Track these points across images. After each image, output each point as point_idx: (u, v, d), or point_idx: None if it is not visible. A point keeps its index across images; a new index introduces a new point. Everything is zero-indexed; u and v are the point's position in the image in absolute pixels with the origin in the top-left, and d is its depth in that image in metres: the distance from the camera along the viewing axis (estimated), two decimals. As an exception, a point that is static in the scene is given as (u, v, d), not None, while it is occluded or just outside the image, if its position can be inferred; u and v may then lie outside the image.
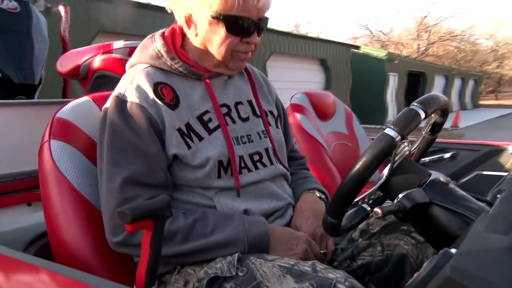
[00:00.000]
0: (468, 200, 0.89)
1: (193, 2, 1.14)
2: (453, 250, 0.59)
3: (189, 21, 1.17)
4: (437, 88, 24.96)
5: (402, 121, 0.86)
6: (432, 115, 1.04)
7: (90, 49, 2.43)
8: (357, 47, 19.89)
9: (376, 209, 0.87)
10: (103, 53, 2.36)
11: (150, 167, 1.09)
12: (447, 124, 16.75)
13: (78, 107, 1.27)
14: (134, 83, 1.15)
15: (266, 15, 1.15)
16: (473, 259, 0.54)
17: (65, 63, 2.46)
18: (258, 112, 1.28)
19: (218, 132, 1.17)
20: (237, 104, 1.24)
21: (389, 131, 0.85)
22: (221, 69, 1.22)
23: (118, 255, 1.15)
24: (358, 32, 47.56)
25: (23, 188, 2.30)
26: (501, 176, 2.20)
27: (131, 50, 2.41)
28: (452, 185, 0.92)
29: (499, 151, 2.51)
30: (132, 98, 1.13)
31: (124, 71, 2.31)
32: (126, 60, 2.30)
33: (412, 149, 1.10)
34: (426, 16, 43.18)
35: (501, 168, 2.43)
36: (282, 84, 10.73)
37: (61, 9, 3.15)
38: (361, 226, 1.22)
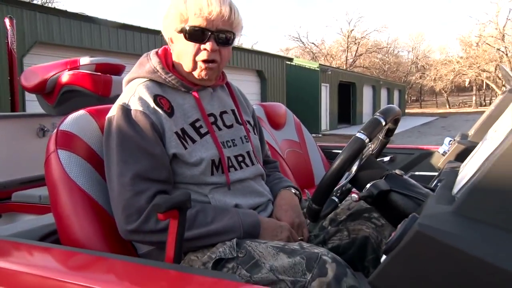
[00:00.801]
0: (418, 187, 1.15)
1: (168, 27, 1.37)
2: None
3: (170, 42, 1.40)
4: (366, 98, 26.21)
5: (369, 127, 1.11)
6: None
7: (56, 65, 2.52)
8: (291, 59, 20.56)
9: (354, 195, 1.11)
10: (70, 69, 2.47)
11: (156, 165, 1.25)
12: (377, 132, 17.69)
13: (77, 120, 1.41)
14: (136, 95, 1.32)
15: (235, 31, 1.36)
16: (432, 219, 0.78)
17: (31, 78, 2.53)
18: (240, 120, 1.47)
19: (208, 136, 1.35)
20: (222, 113, 1.43)
21: (360, 135, 1.08)
22: (191, 79, 1.39)
23: (125, 249, 1.32)
24: (291, 43, 48.86)
25: None
26: (432, 176, 2.54)
27: (97, 66, 2.55)
28: (405, 177, 1.18)
29: (429, 154, 2.87)
30: (136, 106, 1.29)
31: (91, 86, 2.45)
32: (94, 75, 2.45)
33: (372, 150, 1.37)
34: (352, 30, 45.29)
35: (431, 168, 2.78)
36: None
37: (7, 21, 3.18)
38: (330, 215, 1.45)
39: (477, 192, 0.80)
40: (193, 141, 1.33)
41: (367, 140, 1.07)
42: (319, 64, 21.18)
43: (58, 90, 2.49)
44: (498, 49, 37.71)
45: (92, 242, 1.27)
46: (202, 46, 1.32)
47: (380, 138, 1.40)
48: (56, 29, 9.73)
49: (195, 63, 1.35)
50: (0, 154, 2.48)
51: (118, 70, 2.67)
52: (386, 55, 49.99)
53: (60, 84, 2.45)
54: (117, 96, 2.61)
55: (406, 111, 38.14)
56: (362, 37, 45.48)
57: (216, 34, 1.32)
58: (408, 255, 0.78)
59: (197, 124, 1.36)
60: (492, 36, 37.70)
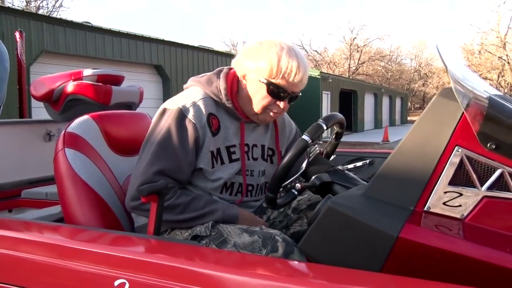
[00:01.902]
0: (356, 180, 1.41)
1: (250, 69, 1.54)
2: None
3: (244, 77, 1.57)
4: (368, 105, 26.42)
5: (312, 130, 1.36)
6: (334, 126, 1.56)
7: (62, 76, 2.80)
8: (293, 67, 20.75)
9: (297, 184, 1.37)
10: (74, 80, 2.75)
11: (180, 169, 1.48)
12: (379, 139, 17.91)
13: (82, 124, 1.67)
14: (196, 107, 1.52)
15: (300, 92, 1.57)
16: (342, 198, 1.04)
17: (40, 88, 2.81)
18: (265, 157, 1.69)
19: (236, 163, 1.58)
20: (253, 146, 1.65)
21: (304, 137, 1.34)
22: (253, 117, 1.59)
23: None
24: (294, 51, 49.06)
25: (5, 197, 2.62)
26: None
27: (99, 77, 2.83)
28: (346, 172, 1.44)
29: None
30: (191, 117, 1.50)
31: (93, 95, 2.73)
32: (96, 85, 2.73)
33: (324, 149, 1.63)
34: (355, 38, 45.62)
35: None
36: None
37: (17, 35, 3.46)
38: (293, 204, 1.67)
39: (379, 178, 1.07)
40: (222, 162, 1.57)
41: (310, 141, 1.32)
42: (320, 71, 21.44)
43: (63, 98, 2.76)
44: (500, 57, 37.91)
45: (92, 225, 1.53)
46: (277, 103, 1.54)
47: (331, 140, 1.66)
48: (62, 38, 10.08)
49: (264, 110, 1.55)
50: (10, 157, 2.75)
51: (117, 81, 2.95)
52: (389, 63, 50.29)
53: (65, 93, 2.72)
54: (117, 104, 2.88)
55: (409, 118, 38.33)
56: (364, 45, 45.80)
57: (291, 96, 1.55)
58: (323, 225, 1.04)
59: (232, 150, 1.58)
60: (494, 45, 37.88)
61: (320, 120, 1.39)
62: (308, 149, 1.35)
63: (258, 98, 1.53)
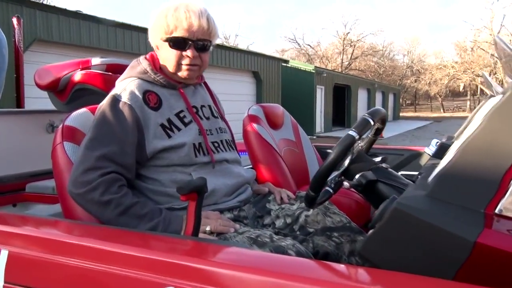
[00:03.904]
0: (401, 178, 1.33)
1: (154, 37, 1.61)
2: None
3: (156, 49, 1.64)
4: (361, 101, 26.44)
5: (360, 126, 1.28)
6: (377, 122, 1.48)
7: (69, 64, 2.67)
8: (286, 61, 20.73)
9: (345, 183, 1.29)
10: (82, 69, 2.62)
11: (123, 151, 1.44)
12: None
13: (80, 117, 1.62)
14: (128, 89, 1.53)
15: (212, 40, 1.60)
16: (408, 199, 0.95)
17: (45, 76, 2.67)
18: (215, 114, 1.73)
19: (192, 125, 1.58)
20: (201, 106, 1.69)
21: (351, 133, 1.25)
22: (177, 79, 1.62)
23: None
24: (287, 45, 49.18)
25: (9, 190, 2.51)
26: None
27: (108, 66, 2.71)
28: (390, 169, 1.36)
29: (418, 154, 3.06)
30: (125, 99, 1.50)
31: (102, 85, 2.61)
32: (105, 75, 2.61)
33: (362, 146, 1.55)
34: (348, 33, 45.60)
35: (420, 168, 2.96)
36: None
37: (14, 21, 3.31)
38: (301, 222, 1.58)
39: (444, 179, 0.99)
40: (178, 129, 1.55)
41: (357, 137, 1.24)
42: (315, 66, 21.37)
43: (70, 88, 2.64)
44: (492, 55, 38.11)
45: (91, 219, 1.45)
46: (184, 53, 1.56)
47: (369, 136, 1.57)
48: (55, 27, 9.84)
49: (179, 66, 1.59)
50: (12, 148, 2.63)
51: (126, 70, 2.83)
52: (382, 58, 50.36)
53: (72, 83, 2.60)
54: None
55: (401, 114, 38.47)
56: (358, 40, 45.82)
57: (195, 43, 1.56)
58: (388, 228, 0.95)
59: (181, 115, 1.59)
60: (487, 42, 38.10)
61: (366, 114, 1.31)
62: (354, 145, 1.26)
63: (169, 57, 1.58)
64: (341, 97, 24.12)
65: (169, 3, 1.59)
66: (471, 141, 0.99)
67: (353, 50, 45.46)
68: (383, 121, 1.50)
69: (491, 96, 2.59)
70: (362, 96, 26.79)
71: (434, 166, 1.40)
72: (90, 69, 2.63)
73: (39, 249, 1.17)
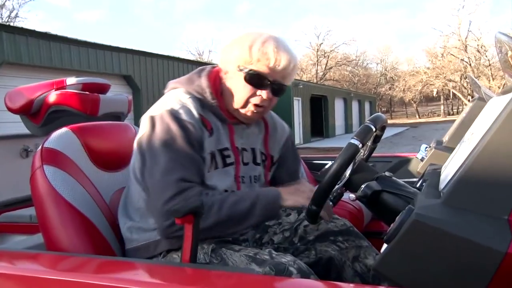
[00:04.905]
0: (406, 187, 1.25)
1: (228, 62, 1.41)
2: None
3: (226, 74, 1.43)
4: (338, 110, 26.64)
5: (362, 134, 1.20)
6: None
7: (43, 85, 2.55)
8: (263, 74, 20.70)
9: (351, 195, 1.20)
10: (57, 89, 2.50)
11: (199, 170, 1.31)
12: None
13: (61, 138, 1.49)
14: (185, 107, 1.35)
15: (286, 83, 1.42)
16: (426, 209, 0.87)
17: (17, 99, 2.54)
18: (258, 160, 1.52)
19: (231, 168, 1.42)
20: (243, 149, 1.48)
21: (354, 141, 1.17)
22: (236, 115, 1.43)
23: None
24: (261, 59, 49.18)
25: None
26: (412, 181, 2.68)
27: (84, 86, 2.60)
28: (394, 178, 1.28)
29: (407, 161, 3.01)
30: (186, 117, 1.33)
31: (79, 105, 2.49)
32: (82, 94, 2.49)
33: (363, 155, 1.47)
34: (322, 44, 46.15)
35: (410, 174, 2.91)
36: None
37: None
38: (300, 233, 1.49)
39: (462, 185, 0.91)
40: (216, 167, 1.39)
41: (360, 146, 1.16)
42: (291, 78, 21.41)
43: (45, 110, 2.51)
44: (462, 60, 39.03)
45: (79, 250, 1.33)
46: (258, 92, 1.38)
47: (369, 144, 1.49)
48: (24, 49, 9.54)
49: (246, 103, 1.40)
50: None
51: (104, 89, 2.71)
52: (356, 68, 51.11)
53: (47, 104, 2.47)
54: (105, 114, 2.65)
55: (377, 122, 38.85)
56: (331, 50, 46.39)
57: (273, 84, 1.38)
58: (407, 242, 0.87)
59: (225, 153, 1.41)
60: (456, 47, 39.02)
61: (368, 121, 1.23)
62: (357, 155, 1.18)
63: (238, 89, 1.39)
64: (318, 107, 24.26)
65: (256, 33, 1.40)
66: (488, 144, 0.92)
67: (327, 61, 45.97)
68: (383, 128, 1.43)
69: (480, 98, 2.56)
70: (339, 106, 26.99)
71: (437, 172, 1.33)
72: (65, 89, 2.51)
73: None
